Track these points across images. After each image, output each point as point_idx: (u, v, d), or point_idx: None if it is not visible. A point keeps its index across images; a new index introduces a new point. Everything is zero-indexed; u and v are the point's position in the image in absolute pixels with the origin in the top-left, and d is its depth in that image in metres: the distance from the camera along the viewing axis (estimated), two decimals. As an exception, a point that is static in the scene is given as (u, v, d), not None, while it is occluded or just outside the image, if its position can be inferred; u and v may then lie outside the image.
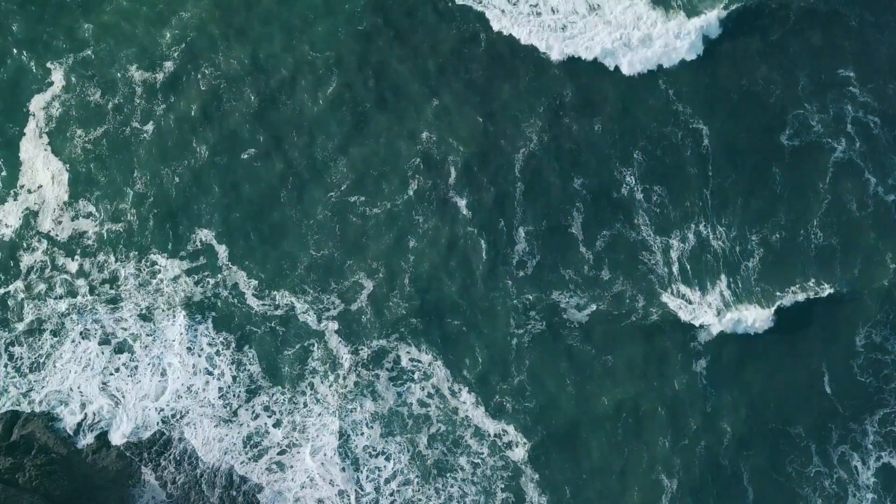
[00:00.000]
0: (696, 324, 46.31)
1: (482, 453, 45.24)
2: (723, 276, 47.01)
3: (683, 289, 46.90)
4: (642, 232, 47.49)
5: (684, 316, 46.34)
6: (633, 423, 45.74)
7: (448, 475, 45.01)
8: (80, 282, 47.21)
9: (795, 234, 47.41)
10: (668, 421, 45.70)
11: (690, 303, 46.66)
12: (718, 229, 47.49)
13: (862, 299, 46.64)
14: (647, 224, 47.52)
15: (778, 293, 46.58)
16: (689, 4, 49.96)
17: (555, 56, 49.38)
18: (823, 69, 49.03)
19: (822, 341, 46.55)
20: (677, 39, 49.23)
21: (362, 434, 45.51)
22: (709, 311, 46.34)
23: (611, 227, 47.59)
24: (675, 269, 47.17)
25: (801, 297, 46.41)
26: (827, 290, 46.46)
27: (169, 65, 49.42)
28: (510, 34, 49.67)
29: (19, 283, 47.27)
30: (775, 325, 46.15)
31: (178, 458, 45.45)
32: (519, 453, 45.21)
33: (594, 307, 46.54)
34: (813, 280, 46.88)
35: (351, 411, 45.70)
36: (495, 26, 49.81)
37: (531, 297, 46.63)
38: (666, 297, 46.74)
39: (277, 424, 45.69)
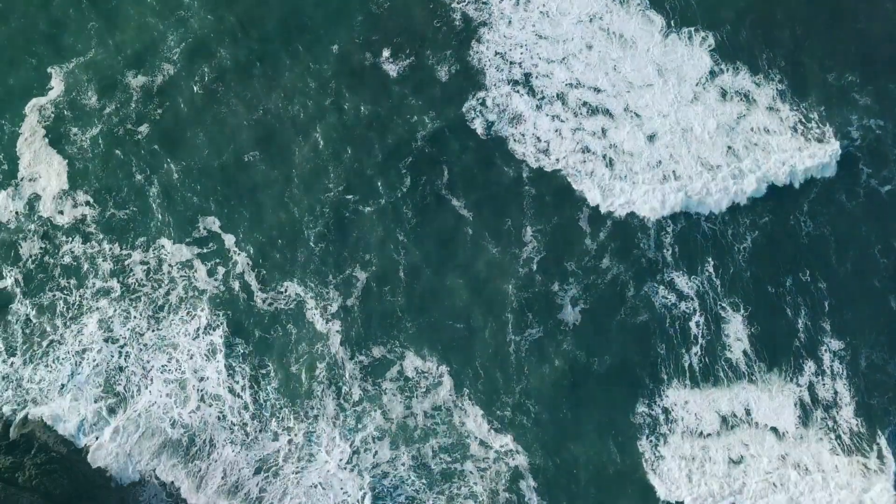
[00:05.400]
0: (691, 322, 46.58)
1: (486, 458, 45.33)
2: (713, 264, 47.29)
3: (678, 279, 47.11)
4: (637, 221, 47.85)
5: (676, 309, 46.63)
6: (632, 424, 45.76)
7: (453, 480, 45.10)
8: (87, 277, 47.47)
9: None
10: (663, 424, 45.81)
11: (683, 293, 46.92)
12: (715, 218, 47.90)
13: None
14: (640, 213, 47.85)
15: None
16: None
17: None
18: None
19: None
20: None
21: (369, 442, 45.62)
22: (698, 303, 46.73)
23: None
24: (667, 254, 47.34)
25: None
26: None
27: (168, 67, 49.88)
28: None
29: (20, 274, 47.57)
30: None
31: (177, 459, 45.37)
32: (519, 459, 45.29)
33: (588, 301, 46.74)
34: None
35: (358, 421, 45.85)
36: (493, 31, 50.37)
37: (528, 294, 46.84)
38: (657, 288, 46.94)
39: (286, 435, 45.82)
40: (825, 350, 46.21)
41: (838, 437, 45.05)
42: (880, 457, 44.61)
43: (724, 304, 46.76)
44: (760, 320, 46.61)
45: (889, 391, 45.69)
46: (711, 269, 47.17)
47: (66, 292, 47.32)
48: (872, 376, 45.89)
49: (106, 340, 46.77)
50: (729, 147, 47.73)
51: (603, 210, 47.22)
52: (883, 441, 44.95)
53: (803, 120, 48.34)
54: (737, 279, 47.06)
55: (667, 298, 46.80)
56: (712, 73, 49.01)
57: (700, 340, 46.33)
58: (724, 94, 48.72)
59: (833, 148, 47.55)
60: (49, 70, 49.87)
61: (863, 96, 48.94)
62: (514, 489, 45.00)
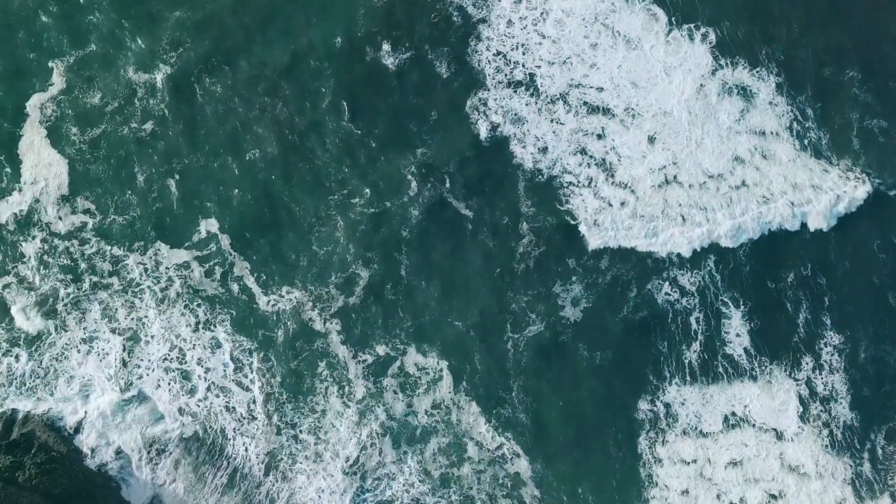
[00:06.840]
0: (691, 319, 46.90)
1: (484, 459, 45.42)
2: (713, 260, 47.62)
3: (679, 275, 47.38)
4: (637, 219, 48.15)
5: (678, 305, 46.86)
6: (633, 421, 45.92)
7: (453, 483, 45.16)
8: (85, 274, 47.31)
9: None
10: (664, 422, 46.03)
11: (685, 289, 47.18)
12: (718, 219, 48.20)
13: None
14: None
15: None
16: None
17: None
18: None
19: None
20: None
21: (374, 437, 45.63)
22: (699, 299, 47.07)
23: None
24: (672, 255, 47.74)
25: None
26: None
27: (167, 67, 49.91)
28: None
29: (21, 273, 47.38)
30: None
31: (179, 458, 45.23)
32: (520, 464, 45.38)
33: (589, 299, 46.87)
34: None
35: (359, 420, 45.79)
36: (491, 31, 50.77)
37: (529, 295, 46.99)
38: (660, 284, 47.20)
39: (289, 430, 45.80)
40: (825, 345, 46.62)
41: (837, 434, 45.41)
42: (874, 462, 45.10)
43: (724, 300, 47.12)
44: (761, 316, 47.03)
45: (887, 385, 46.10)
46: (712, 265, 47.55)
47: (66, 290, 47.16)
48: (872, 371, 46.32)
49: (111, 332, 46.64)
50: (735, 157, 48.11)
51: (595, 246, 47.48)
52: (881, 438, 45.34)
53: (800, 119, 48.85)
54: (737, 275, 47.43)
55: (668, 294, 47.10)
56: (714, 72, 49.51)
57: (700, 336, 46.65)
58: (726, 92, 49.12)
59: (865, 189, 47.96)
60: (50, 65, 49.78)
61: (863, 93, 49.55)
62: (513, 493, 45.04)
